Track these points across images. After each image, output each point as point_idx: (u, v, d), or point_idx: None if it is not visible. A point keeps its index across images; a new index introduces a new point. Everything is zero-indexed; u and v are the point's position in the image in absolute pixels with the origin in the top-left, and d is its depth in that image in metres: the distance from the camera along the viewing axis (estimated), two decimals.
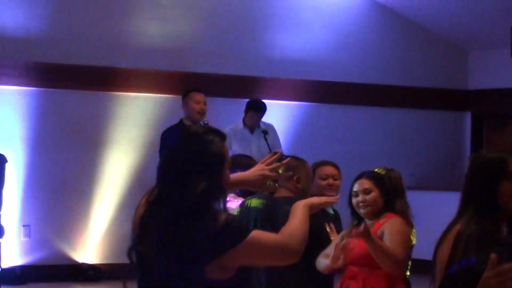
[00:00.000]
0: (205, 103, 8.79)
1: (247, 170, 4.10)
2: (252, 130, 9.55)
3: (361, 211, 5.14)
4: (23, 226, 9.71)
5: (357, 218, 5.21)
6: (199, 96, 8.81)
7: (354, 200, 5.15)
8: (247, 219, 5.00)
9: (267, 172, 3.84)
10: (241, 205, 5.20)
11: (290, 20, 10.93)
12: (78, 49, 9.89)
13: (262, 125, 9.59)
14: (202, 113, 8.72)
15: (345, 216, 5.45)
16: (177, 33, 10.36)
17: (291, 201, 3.66)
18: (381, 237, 5.03)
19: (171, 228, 3.07)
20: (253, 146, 9.44)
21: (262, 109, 9.57)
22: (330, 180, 5.85)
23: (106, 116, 10.06)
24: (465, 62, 12.00)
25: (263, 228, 4.37)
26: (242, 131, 9.56)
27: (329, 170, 5.91)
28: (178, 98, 9.34)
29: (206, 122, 8.63)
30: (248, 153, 9.31)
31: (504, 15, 10.74)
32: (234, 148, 9.51)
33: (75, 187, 9.90)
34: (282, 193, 5.14)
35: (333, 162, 6.03)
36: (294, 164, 5.12)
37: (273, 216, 5.01)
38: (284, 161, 4.10)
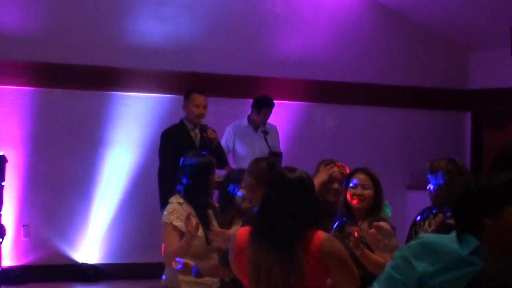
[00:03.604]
0: (205, 107, 8.56)
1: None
2: (256, 128, 9.55)
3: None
4: (23, 226, 9.72)
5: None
6: (199, 100, 8.57)
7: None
8: None
9: None
10: None
11: (291, 20, 10.93)
12: (78, 49, 9.89)
13: (266, 125, 9.60)
14: (200, 117, 8.54)
15: None
16: (177, 33, 10.36)
17: None
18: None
19: None
20: (255, 144, 9.43)
21: (273, 104, 9.59)
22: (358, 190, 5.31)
23: (106, 116, 10.06)
24: (465, 62, 12.00)
25: None
26: (246, 128, 9.56)
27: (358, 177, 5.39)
28: (178, 98, 9.33)
29: (204, 124, 8.57)
30: (250, 151, 9.34)
31: (504, 15, 10.74)
32: (237, 146, 9.51)
33: (75, 187, 9.90)
34: None
35: (365, 168, 5.54)
36: None
37: None
38: None
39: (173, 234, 5.30)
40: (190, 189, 5.47)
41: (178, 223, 5.31)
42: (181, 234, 5.27)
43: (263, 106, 9.51)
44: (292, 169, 4.04)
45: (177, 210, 5.38)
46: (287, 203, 3.89)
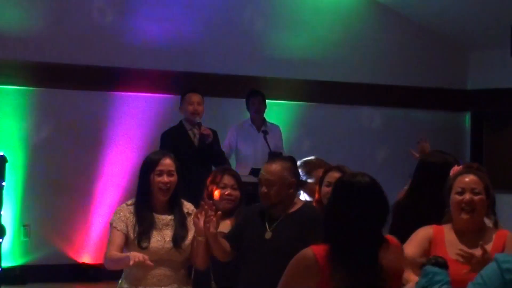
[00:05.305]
0: (199, 103, 8.65)
1: None
2: (258, 128, 9.57)
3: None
4: (23, 226, 9.71)
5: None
6: (193, 97, 8.68)
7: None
8: None
9: None
10: None
11: (290, 20, 10.93)
12: (78, 49, 9.89)
13: (268, 125, 9.62)
14: (195, 114, 8.63)
15: None
16: (177, 33, 10.36)
17: None
18: None
19: None
20: (258, 144, 9.45)
21: (259, 92, 9.61)
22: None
23: (106, 116, 10.06)
24: (465, 62, 12.00)
25: None
26: (248, 128, 9.59)
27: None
28: (178, 98, 9.33)
29: (198, 121, 8.61)
30: (252, 150, 9.38)
31: (504, 15, 10.74)
32: (240, 145, 9.53)
33: (75, 187, 9.89)
34: None
35: (339, 166, 5.51)
36: None
37: None
38: None
39: (115, 235, 4.92)
40: (137, 190, 4.99)
41: (117, 225, 4.90)
42: (123, 234, 4.91)
43: (249, 97, 9.59)
44: (360, 174, 3.71)
45: (120, 210, 4.96)
46: (359, 214, 3.59)
